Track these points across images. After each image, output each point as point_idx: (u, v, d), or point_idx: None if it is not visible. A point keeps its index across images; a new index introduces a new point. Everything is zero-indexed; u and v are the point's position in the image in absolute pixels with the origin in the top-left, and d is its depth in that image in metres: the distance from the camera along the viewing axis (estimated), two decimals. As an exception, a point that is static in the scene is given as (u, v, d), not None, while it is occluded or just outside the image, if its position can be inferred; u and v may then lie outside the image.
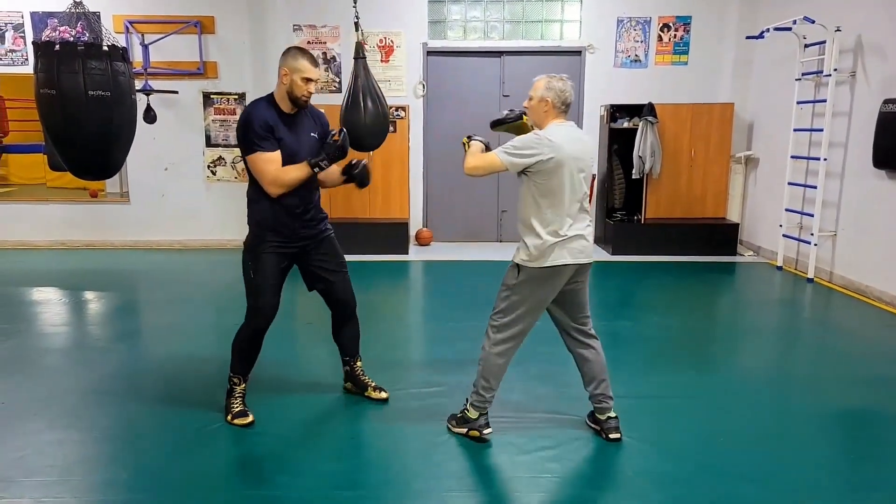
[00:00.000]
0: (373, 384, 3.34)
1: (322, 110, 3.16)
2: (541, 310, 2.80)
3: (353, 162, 3.07)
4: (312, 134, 2.98)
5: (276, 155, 2.83)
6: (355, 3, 4.69)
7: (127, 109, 4.17)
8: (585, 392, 2.96)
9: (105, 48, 3.77)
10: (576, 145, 2.70)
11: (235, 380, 3.10)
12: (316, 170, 2.85)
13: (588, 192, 2.81)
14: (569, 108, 2.76)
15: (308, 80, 2.83)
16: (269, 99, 2.91)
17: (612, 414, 2.92)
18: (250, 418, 3.04)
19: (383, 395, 3.30)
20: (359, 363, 3.37)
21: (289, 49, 2.91)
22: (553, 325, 2.96)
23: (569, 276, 2.75)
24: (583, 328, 2.91)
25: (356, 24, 4.64)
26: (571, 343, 2.94)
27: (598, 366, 2.90)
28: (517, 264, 2.74)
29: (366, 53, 4.55)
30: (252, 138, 2.82)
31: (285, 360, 3.71)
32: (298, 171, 2.84)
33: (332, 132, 2.95)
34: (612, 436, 2.88)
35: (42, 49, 3.74)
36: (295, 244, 3.01)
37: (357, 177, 3.06)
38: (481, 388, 2.85)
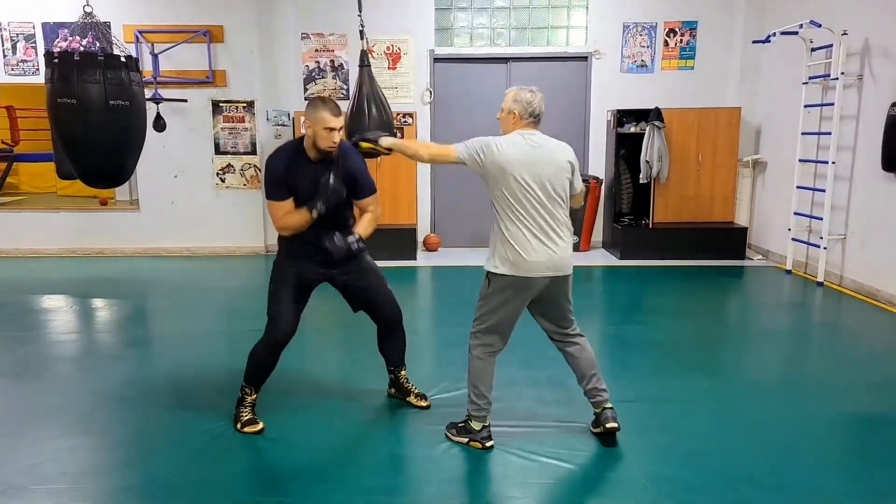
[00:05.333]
0: (416, 391, 3.36)
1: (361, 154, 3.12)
2: (517, 314, 2.83)
3: (338, 243, 2.93)
4: (331, 180, 2.92)
5: (286, 203, 2.91)
6: (360, 11, 4.75)
7: (142, 118, 4.24)
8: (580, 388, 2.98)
9: (123, 59, 3.84)
10: (529, 152, 2.69)
11: (247, 390, 3.10)
12: (314, 213, 2.86)
13: (567, 205, 2.80)
14: (538, 120, 2.77)
15: (330, 129, 2.82)
16: (298, 145, 2.95)
17: (608, 405, 2.92)
18: (260, 425, 3.06)
19: (424, 403, 3.32)
20: (403, 372, 3.37)
21: (310, 100, 2.95)
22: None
23: (541, 287, 2.76)
24: (567, 331, 2.95)
25: (361, 32, 4.69)
26: (559, 344, 2.99)
27: (586, 361, 2.93)
28: (487, 273, 2.77)
29: (371, 61, 4.59)
30: (268, 187, 2.95)
31: (297, 366, 3.72)
32: (300, 217, 2.90)
33: (325, 175, 2.89)
34: (609, 425, 2.87)
35: (60, 59, 3.79)
36: (321, 266, 3.01)
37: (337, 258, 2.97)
38: (474, 396, 2.86)
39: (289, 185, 2.90)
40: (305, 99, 7.38)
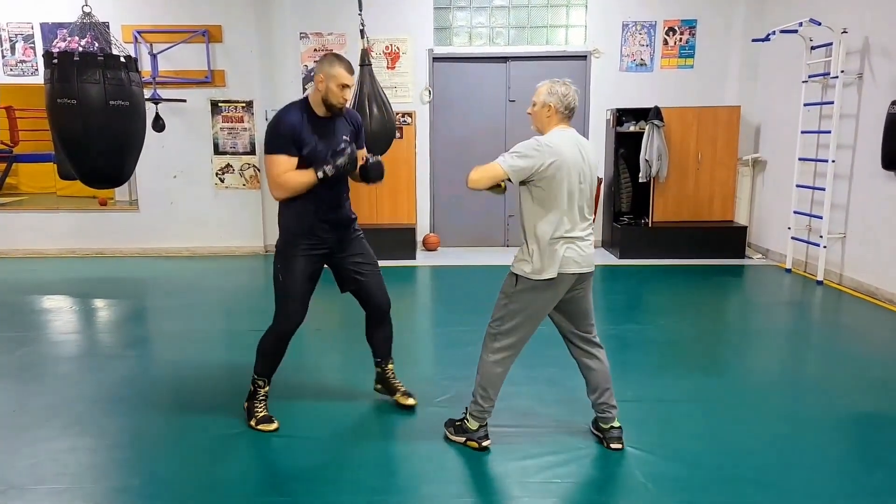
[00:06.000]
0: (402, 388, 3.33)
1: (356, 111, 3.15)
2: (540, 318, 2.77)
3: (369, 159, 3.05)
4: (345, 137, 2.96)
5: (289, 161, 2.82)
6: (360, 10, 4.74)
7: (141, 118, 4.23)
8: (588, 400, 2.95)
9: (122, 59, 3.83)
10: (576, 151, 2.65)
11: (260, 382, 3.09)
12: (320, 175, 2.82)
13: (593, 200, 2.78)
14: (573, 114, 2.71)
15: (344, 86, 2.83)
16: (304, 103, 2.90)
17: (616, 424, 2.89)
18: (275, 425, 3.05)
19: (410, 401, 3.29)
20: (390, 365, 3.35)
21: (326, 55, 2.90)
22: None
23: (569, 286, 2.72)
24: (586, 336, 2.87)
25: (362, 31, 4.69)
26: (575, 351, 2.91)
27: (601, 375, 2.87)
28: (515, 274, 2.71)
29: (371, 60, 4.60)
30: (273, 140, 2.83)
31: (297, 366, 3.72)
32: (303, 177, 2.83)
33: (344, 139, 2.93)
34: (613, 445, 2.86)
35: (60, 59, 3.78)
36: (324, 247, 3.00)
37: (371, 173, 3.04)
38: (479, 398, 2.83)
39: (299, 141, 2.82)
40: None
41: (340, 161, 2.84)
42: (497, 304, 2.80)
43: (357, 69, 4.40)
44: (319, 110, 2.89)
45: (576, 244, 2.69)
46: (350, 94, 2.89)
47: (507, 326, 2.75)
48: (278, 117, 2.86)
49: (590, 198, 2.75)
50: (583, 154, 2.68)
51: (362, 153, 3.09)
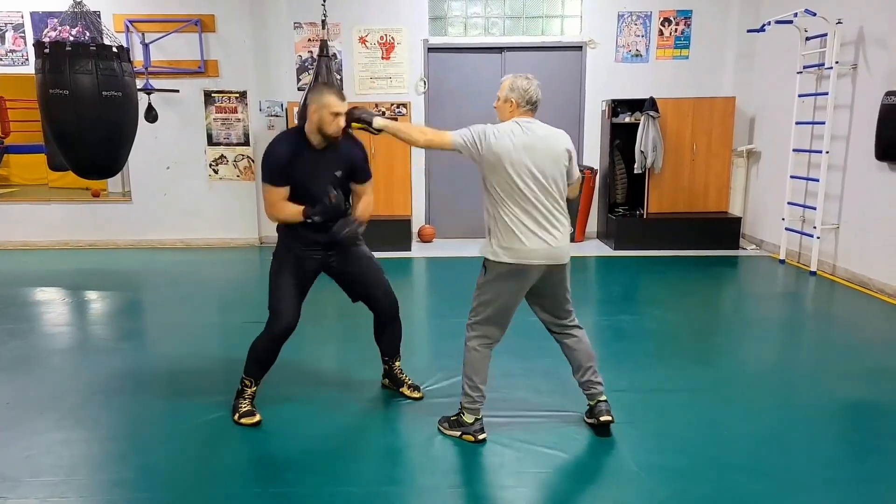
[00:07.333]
0: (409, 382, 3.37)
1: (361, 141, 3.11)
2: (512, 306, 2.80)
3: (342, 225, 2.93)
4: (336, 172, 2.95)
5: (281, 190, 2.89)
6: (324, 0, 4.73)
7: (134, 109, 4.21)
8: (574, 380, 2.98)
9: (115, 49, 3.80)
10: (527, 140, 2.65)
11: (247, 382, 3.10)
12: (308, 221, 2.88)
13: (563, 192, 2.75)
14: (535, 107, 2.75)
15: (336, 114, 2.83)
16: (300, 132, 2.94)
17: (603, 398, 2.92)
18: (257, 417, 3.05)
19: (417, 394, 3.33)
20: (397, 363, 3.39)
21: (315, 85, 2.96)
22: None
23: (537, 277, 2.73)
24: (565, 322, 2.93)
25: (323, 21, 4.70)
26: (556, 335, 2.98)
27: (583, 353, 2.92)
28: (483, 261, 2.77)
29: (329, 52, 4.63)
30: (265, 170, 2.92)
31: (291, 358, 3.71)
32: (293, 212, 2.90)
33: (330, 191, 2.87)
34: (602, 418, 2.88)
35: (52, 49, 3.75)
36: (318, 252, 3.03)
37: (341, 239, 2.95)
38: (468, 388, 2.85)
39: (288, 172, 2.88)
40: (299, 89, 7.33)
41: (327, 210, 2.84)
42: (473, 295, 2.86)
43: (317, 58, 4.46)
44: (314, 139, 2.90)
45: (538, 235, 2.68)
46: (343, 123, 2.87)
47: (482, 316, 2.80)
48: (270, 147, 2.94)
49: (557, 190, 2.71)
50: (540, 142, 2.66)
51: (361, 189, 3.08)
